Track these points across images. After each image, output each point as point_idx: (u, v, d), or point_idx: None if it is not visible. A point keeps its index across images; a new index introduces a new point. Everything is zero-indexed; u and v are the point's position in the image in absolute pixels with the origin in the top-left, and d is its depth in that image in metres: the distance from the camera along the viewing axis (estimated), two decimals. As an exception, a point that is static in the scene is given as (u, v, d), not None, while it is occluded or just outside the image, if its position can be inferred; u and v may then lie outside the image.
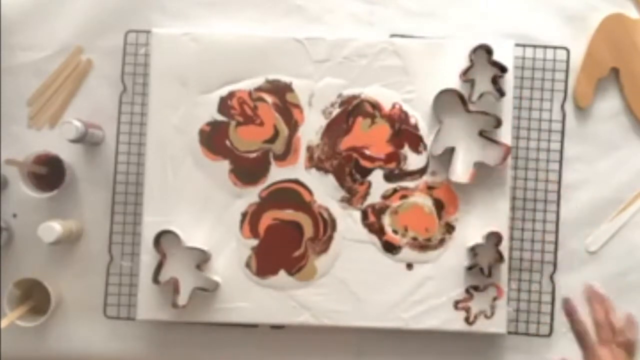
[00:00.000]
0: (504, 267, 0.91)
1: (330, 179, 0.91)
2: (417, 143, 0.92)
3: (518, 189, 0.94)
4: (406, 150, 0.91)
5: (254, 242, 0.91)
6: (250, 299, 0.90)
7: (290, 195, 0.92)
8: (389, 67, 0.92)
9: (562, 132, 0.94)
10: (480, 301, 0.90)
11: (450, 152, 0.91)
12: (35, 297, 0.92)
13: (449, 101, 0.90)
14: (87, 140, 0.91)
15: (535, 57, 0.95)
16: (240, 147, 0.92)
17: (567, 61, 0.95)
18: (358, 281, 0.91)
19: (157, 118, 0.92)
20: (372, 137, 0.92)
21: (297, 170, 0.92)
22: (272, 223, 0.91)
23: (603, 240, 0.95)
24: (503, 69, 0.90)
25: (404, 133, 0.92)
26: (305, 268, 0.91)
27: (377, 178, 0.91)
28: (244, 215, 0.91)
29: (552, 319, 0.92)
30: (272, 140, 0.92)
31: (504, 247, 0.90)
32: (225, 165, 0.91)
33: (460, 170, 0.91)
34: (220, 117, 0.92)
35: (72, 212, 0.95)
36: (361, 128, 0.92)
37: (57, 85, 0.96)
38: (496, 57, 0.90)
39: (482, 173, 0.90)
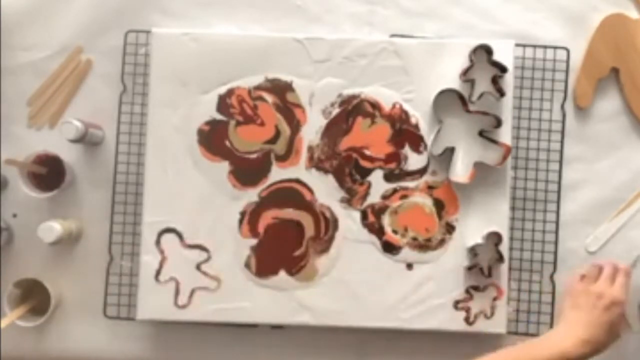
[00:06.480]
0: (504, 267, 0.91)
1: (330, 179, 0.91)
2: (417, 143, 0.92)
3: (518, 189, 0.94)
4: (407, 150, 0.91)
5: (253, 242, 0.91)
6: (250, 299, 0.90)
7: (290, 195, 0.91)
8: (389, 67, 0.92)
9: (562, 132, 0.94)
10: (480, 301, 0.90)
11: (450, 152, 0.91)
12: (35, 297, 0.92)
13: (449, 101, 0.90)
14: (87, 140, 0.91)
15: (535, 57, 0.95)
16: (240, 148, 0.92)
17: (567, 61, 0.95)
18: (358, 281, 0.91)
19: (157, 118, 0.92)
20: (372, 137, 0.92)
21: (297, 170, 0.92)
22: (271, 222, 0.91)
23: (603, 240, 0.95)
24: (503, 69, 0.90)
25: (404, 133, 0.92)
26: (305, 268, 0.91)
27: (377, 178, 0.91)
28: (242, 214, 0.91)
29: (552, 319, 0.92)
30: (273, 140, 0.92)
31: (504, 247, 0.90)
32: (224, 166, 0.91)
33: (460, 170, 0.91)
34: (219, 116, 0.92)
35: (72, 212, 0.95)
36: (361, 128, 0.92)
37: (57, 85, 0.96)
38: (496, 57, 0.90)
39: (482, 173, 0.90)
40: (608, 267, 0.86)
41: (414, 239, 0.91)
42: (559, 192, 0.94)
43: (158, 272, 0.90)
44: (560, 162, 0.94)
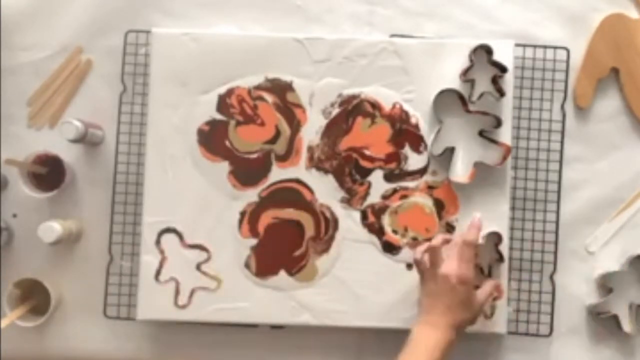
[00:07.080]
0: (504, 267, 0.90)
1: (330, 179, 0.91)
2: (417, 143, 0.91)
3: (518, 189, 0.94)
4: (407, 150, 0.91)
5: (253, 242, 0.91)
6: (250, 299, 0.90)
7: (290, 195, 0.91)
8: (389, 67, 0.92)
9: (562, 132, 0.94)
10: (480, 301, 0.90)
11: (450, 152, 0.91)
12: (35, 297, 0.92)
13: (449, 101, 0.90)
14: (87, 140, 0.91)
15: (535, 57, 0.95)
16: (240, 148, 0.92)
17: (567, 61, 0.95)
18: (358, 281, 0.91)
19: (157, 118, 0.92)
20: (372, 137, 0.92)
21: (297, 170, 0.92)
22: (272, 222, 0.91)
23: (603, 240, 0.95)
24: (503, 69, 0.90)
25: (404, 133, 0.92)
26: (305, 268, 0.91)
27: (377, 178, 0.91)
28: (242, 214, 0.91)
29: (552, 319, 0.92)
30: (273, 140, 0.92)
31: (504, 247, 0.90)
32: (224, 166, 0.91)
33: (460, 170, 0.91)
34: (219, 116, 0.92)
35: (72, 212, 0.95)
36: (361, 128, 0.92)
37: (57, 85, 0.96)
38: (496, 57, 0.90)
39: (482, 173, 0.90)
40: (448, 246, 0.85)
41: (414, 239, 0.91)
42: (559, 192, 0.94)
43: (158, 272, 0.90)
44: (560, 162, 0.94)
